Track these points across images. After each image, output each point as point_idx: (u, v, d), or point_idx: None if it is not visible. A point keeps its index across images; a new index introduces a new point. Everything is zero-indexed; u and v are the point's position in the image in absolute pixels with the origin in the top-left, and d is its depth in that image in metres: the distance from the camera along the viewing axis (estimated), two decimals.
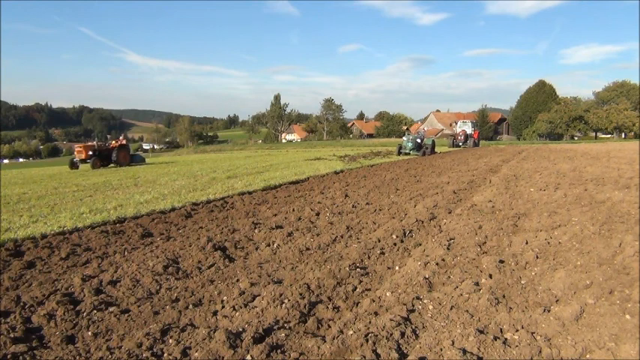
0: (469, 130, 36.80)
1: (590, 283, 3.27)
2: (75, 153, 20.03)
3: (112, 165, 19.99)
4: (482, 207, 6.57)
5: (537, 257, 4.04)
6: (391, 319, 2.77)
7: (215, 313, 3.14)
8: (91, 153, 19.32)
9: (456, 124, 40.75)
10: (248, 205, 7.70)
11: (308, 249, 4.70)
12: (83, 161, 19.38)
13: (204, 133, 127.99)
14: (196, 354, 2.52)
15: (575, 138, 68.80)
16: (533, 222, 5.45)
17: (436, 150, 26.24)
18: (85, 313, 3.14)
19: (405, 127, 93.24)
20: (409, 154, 23.54)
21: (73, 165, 19.36)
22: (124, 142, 22.07)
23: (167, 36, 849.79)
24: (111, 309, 3.20)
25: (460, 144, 35.75)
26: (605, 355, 2.35)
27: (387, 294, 3.32)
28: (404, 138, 25.28)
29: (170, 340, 2.69)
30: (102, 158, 19.67)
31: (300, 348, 2.62)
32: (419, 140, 24.29)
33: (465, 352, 2.39)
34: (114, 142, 21.71)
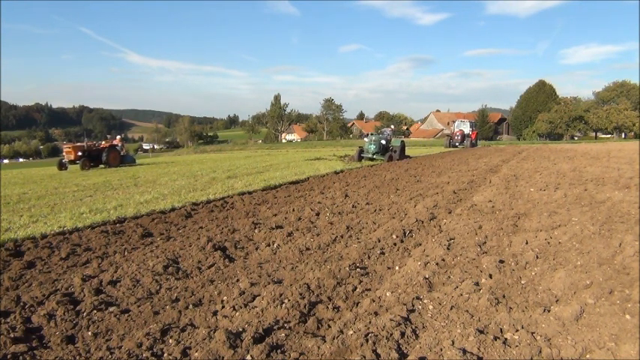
0: (467, 129, 36.26)
1: (590, 283, 3.27)
2: (64, 153, 19.54)
3: (102, 166, 19.65)
4: (482, 207, 6.57)
5: (537, 257, 4.04)
6: (391, 319, 2.77)
7: (215, 313, 3.14)
8: (80, 154, 18.87)
9: (454, 123, 40.27)
10: (248, 205, 7.70)
11: (308, 249, 4.70)
12: (72, 162, 18.90)
13: (204, 133, 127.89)
14: (196, 354, 2.52)
15: (575, 138, 68.82)
16: (533, 222, 5.45)
17: (407, 153, 21.26)
18: (85, 313, 3.14)
19: (404, 127, 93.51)
20: (373, 158, 18.50)
21: (62, 166, 18.90)
22: (118, 142, 21.90)
23: (167, 36, 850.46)
24: (111, 309, 3.20)
25: (457, 144, 35.19)
26: (605, 355, 2.35)
27: (387, 294, 3.32)
28: (365, 139, 20.02)
29: (170, 340, 2.69)
30: (92, 159, 19.25)
31: (300, 348, 2.62)
32: (384, 142, 19.02)
33: (465, 352, 2.39)
34: (104, 142, 21.57)
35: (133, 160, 22.78)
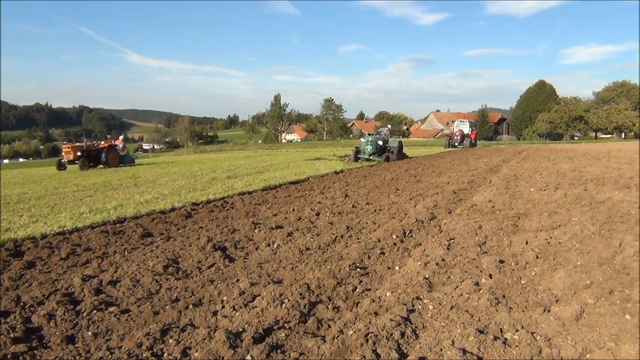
0: (466, 129, 36.17)
1: (590, 283, 3.27)
2: (63, 153, 19.59)
3: (101, 166, 19.65)
4: (482, 207, 6.57)
5: (537, 257, 4.04)
6: (391, 319, 2.77)
7: (215, 313, 3.14)
8: (79, 154, 18.91)
9: (454, 123, 40.14)
10: (248, 205, 7.70)
11: (308, 249, 4.70)
12: (72, 162, 18.92)
13: (204, 133, 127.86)
14: (196, 354, 2.52)
15: (575, 138, 68.84)
16: (533, 222, 5.45)
17: (406, 153, 20.78)
18: (85, 313, 3.14)
19: (404, 127, 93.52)
20: (370, 159, 18.32)
21: (61, 166, 18.93)
22: (120, 142, 21.92)
23: (167, 36, 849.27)
24: (111, 309, 3.20)
25: (456, 144, 35.07)
26: (605, 355, 2.35)
27: (387, 294, 3.32)
28: (362, 140, 19.87)
29: (170, 340, 2.69)
30: (91, 159, 19.27)
31: (300, 348, 2.62)
32: (380, 142, 18.76)
33: (465, 352, 2.39)
34: (103, 142, 21.63)
35: (133, 161, 22.80)
